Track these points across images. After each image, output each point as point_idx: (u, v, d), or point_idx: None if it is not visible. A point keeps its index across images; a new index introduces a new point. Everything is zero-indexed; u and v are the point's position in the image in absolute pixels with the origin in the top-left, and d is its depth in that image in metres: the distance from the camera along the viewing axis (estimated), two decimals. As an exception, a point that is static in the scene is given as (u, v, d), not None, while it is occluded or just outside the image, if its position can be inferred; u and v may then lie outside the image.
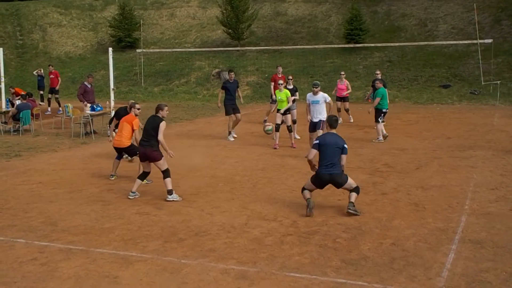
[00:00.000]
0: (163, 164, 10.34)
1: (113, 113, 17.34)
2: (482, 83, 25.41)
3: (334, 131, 9.59)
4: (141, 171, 10.73)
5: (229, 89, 17.33)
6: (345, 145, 9.39)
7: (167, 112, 10.66)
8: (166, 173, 10.32)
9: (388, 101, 16.77)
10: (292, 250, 7.65)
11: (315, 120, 14.06)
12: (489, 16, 31.55)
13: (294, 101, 16.34)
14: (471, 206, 9.63)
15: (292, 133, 15.98)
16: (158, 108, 10.49)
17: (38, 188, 11.38)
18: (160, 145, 10.37)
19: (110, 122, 14.69)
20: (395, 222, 8.82)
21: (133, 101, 12.65)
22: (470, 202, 9.84)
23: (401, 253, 7.45)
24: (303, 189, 9.54)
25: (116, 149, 12.18)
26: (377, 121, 16.28)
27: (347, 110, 20.45)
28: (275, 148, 15.40)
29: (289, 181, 11.72)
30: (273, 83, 19.79)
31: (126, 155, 12.77)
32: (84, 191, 11.09)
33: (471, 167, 12.71)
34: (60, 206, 9.97)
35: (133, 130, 11.75)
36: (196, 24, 39.28)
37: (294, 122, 16.72)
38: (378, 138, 16.23)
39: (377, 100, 16.21)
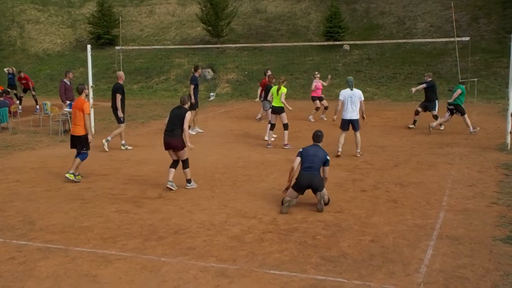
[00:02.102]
0: (184, 153, 10.74)
1: (92, 111, 17.20)
2: (460, 80, 25.61)
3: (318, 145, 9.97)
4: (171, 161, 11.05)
5: (198, 85, 17.88)
6: (327, 157, 9.70)
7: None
8: (185, 163, 10.79)
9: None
10: (272, 247, 7.67)
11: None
12: (466, 14, 31.86)
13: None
14: (449, 202, 9.73)
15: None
16: (183, 100, 10.96)
17: (16, 187, 11.27)
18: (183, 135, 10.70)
19: None
20: (374, 219, 8.88)
21: (81, 84, 12.46)
22: (448, 199, 9.95)
23: (380, 250, 7.51)
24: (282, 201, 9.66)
25: (72, 137, 11.87)
26: (464, 114, 16.85)
27: (317, 109, 20.53)
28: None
29: (269, 178, 11.74)
30: (260, 88, 19.74)
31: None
32: (62, 190, 11.00)
33: (449, 164, 12.84)
34: (38, 205, 9.89)
35: (83, 115, 11.47)
36: (175, 21, 39.09)
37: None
38: (474, 129, 16.67)
39: (457, 93, 17.06)
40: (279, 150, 14.67)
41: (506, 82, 15.25)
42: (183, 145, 10.67)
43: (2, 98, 19.16)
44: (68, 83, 18.32)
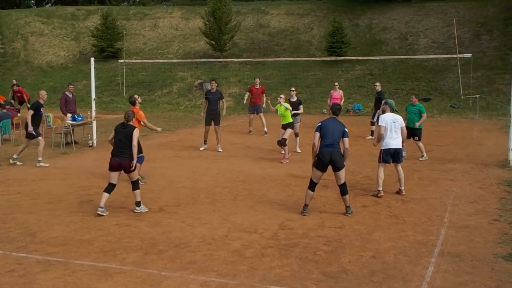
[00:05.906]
0: (135, 174, 10.18)
1: (94, 123, 17.24)
2: (462, 97, 25.68)
3: (336, 117, 10.19)
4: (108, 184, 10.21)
5: (210, 100, 17.25)
6: (346, 129, 9.95)
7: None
8: (135, 185, 10.17)
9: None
10: (272, 262, 7.64)
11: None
12: (468, 31, 31.99)
13: (297, 114, 16.24)
14: (450, 219, 9.71)
15: (286, 147, 15.25)
16: (128, 117, 10.25)
17: (17, 199, 11.26)
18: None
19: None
20: (375, 235, 8.86)
21: (132, 95, 13.19)
22: (449, 215, 9.92)
23: (381, 266, 7.48)
24: (310, 183, 9.96)
25: None
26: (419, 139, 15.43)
27: None
28: (282, 162, 15.10)
29: (270, 193, 11.72)
30: (247, 94, 21.29)
31: None
32: (63, 202, 10.99)
33: (451, 180, 12.82)
34: (39, 217, 9.87)
35: (140, 123, 12.27)
36: (178, 35, 39.30)
37: (296, 135, 16.55)
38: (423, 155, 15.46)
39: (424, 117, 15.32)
40: (280, 165, 14.67)
41: (508, 98, 15.23)
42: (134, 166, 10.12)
43: (5, 110, 19.20)
44: (70, 95, 18.39)
